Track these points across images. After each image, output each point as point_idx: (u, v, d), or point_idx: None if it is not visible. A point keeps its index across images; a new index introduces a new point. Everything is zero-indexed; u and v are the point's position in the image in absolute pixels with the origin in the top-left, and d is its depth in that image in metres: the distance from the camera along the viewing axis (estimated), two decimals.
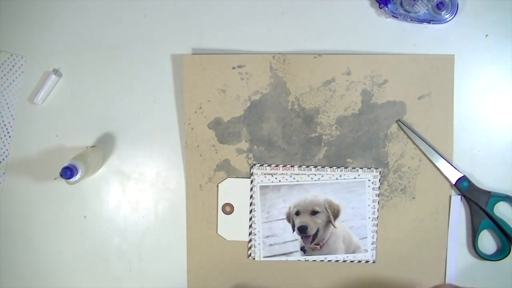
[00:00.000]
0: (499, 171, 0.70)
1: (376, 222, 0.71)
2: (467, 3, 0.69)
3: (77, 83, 0.75)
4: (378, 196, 0.71)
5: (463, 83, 0.70)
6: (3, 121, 0.76)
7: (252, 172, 0.72)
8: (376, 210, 0.71)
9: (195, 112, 0.72)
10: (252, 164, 0.72)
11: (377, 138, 0.71)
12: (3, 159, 0.76)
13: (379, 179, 0.71)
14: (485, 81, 0.70)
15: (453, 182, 0.69)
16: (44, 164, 0.75)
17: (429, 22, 0.69)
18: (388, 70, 0.70)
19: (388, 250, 0.71)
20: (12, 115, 0.76)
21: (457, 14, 0.68)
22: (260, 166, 0.72)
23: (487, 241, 0.71)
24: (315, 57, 0.71)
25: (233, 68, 0.72)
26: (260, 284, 0.73)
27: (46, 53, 0.75)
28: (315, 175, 0.71)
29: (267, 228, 0.72)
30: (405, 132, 0.70)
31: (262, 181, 0.72)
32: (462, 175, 0.69)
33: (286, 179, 0.72)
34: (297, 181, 0.72)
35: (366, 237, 0.71)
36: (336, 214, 0.71)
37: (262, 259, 0.73)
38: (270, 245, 0.72)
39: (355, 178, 0.71)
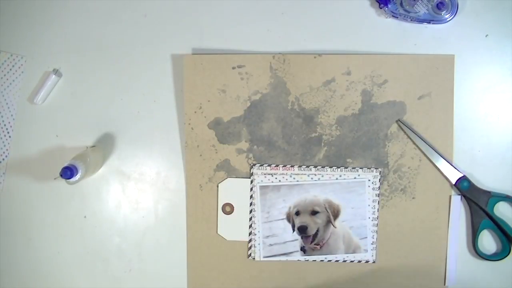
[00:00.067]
0: (499, 171, 0.70)
1: (376, 222, 0.71)
2: (467, 3, 0.69)
3: (77, 83, 0.75)
4: (378, 196, 0.71)
5: (463, 83, 0.70)
6: (3, 121, 0.76)
7: (252, 172, 0.72)
8: (376, 210, 0.71)
9: (195, 112, 0.72)
10: (252, 164, 0.72)
11: (377, 138, 0.71)
12: (3, 159, 0.76)
13: (379, 179, 0.71)
14: (485, 81, 0.70)
15: (453, 182, 0.69)
16: (44, 164, 0.75)
17: (429, 22, 0.69)
18: (388, 70, 0.70)
19: (388, 250, 0.71)
20: (12, 115, 0.76)
21: (457, 14, 0.68)
22: (260, 166, 0.72)
23: (487, 241, 0.71)
24: (315, 57, 0.71)
25: (233, 68, 0.72)
26: (260, 284, 0.73)
27: (46, 53, 0.75)
28: (315, 175, 0.71)
29: (267, 228, 0.72)
30: (405, 132, 0.70)
31: (262, 181, 0.72)
32: (462, 175, 0.69)
33: (286, 179, 0.72)
34: (297, 181, 0.72)
35: (366, 237, 0.71)
36: (336, 214, 0.71)
37: (262, 259, 0.73)
38: (270, 245, 0.72)
39: (355, 178, 0.71)
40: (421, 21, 0.69)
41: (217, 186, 0.73)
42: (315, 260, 0.72)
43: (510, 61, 0.70)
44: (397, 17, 0.69)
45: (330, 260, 0.72)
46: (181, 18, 0.73)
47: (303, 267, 0.73)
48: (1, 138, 0.76)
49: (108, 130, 0.75)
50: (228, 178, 0.73)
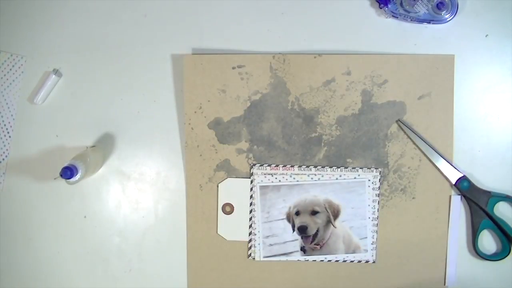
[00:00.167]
0: (499, 171, 0.70)
1: (376, 222, 0.71)
2: (467, 3, 0.69)
3: (77, 83, 0.75)
4: (378, 196, 0.71)
5: (463, 83, 0.70)
6: (3, 121, 0.76)
7: (252, 172, 0.72)
8: (376, 210, 0.71)
9: (195, 112, 0.72)
10: (252, 164, 0.72)
11: (377, 138, 0.71)
12: (3, 159, 0.76)
13: (379, 179, 0.71)
14: (485, 81, 0.70)
15: (453, 182, 0.69)
16: (44, 164, 0.75)
17: (429, 22, 0.69)
18: (388, 70, 0.70)
19: (388, 250, 0.71)
20: (12, 115, 0.76)
21: (457, 14, 0.68)
22: (260, 166, 0.72)
23: (487, 241, 0.71)
24: (315, 57, 0.71)
25: (233, 68, 0.72)
26: (260, 284, 0.73)
27: (46, 53, 0.75)
28: (315, 175, 0.71)
29: (267, 228, 0.72)
30: (405, 132, 0.70)
31: (262, 181, 0.72)
32: (462, 175, 0.69)
33: (286, 179, 0.72)
34: (297, 181, 0.72)
35: (366, 237, 0.71)
36: (336, 214, 0.71)
37: (262, 259, 0.73)
38: (270, 245, 0.72)
39: (355, 178, 0.71)
40: (421, 21, 0.69)
41: (217, 186, 0.73)
42: (315, 260, 0.72)
43: (510, 61, 0.70)
44: (397, 17, 0.69)
45: (330, 260, 0.72)
46: (181, 18, 0.73)
47: (303, 267, 0.73)
48: (1, 138, 0.76)
49: (108, 130, 0.75)
50: (228, 178, 0.73)
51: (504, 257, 0.69)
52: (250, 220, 0.73)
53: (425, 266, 0.71)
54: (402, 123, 0.70)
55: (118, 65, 0.74)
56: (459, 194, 0.70)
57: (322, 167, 0.71)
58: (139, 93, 0.74)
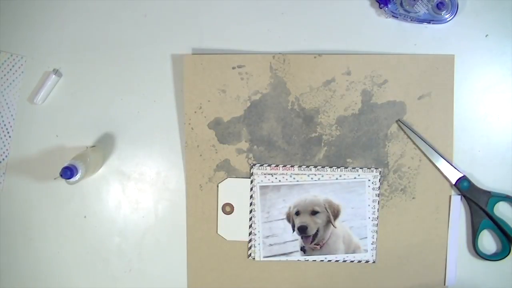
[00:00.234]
0: (499, 171, 0.70)
1: (376, 222, 0.71)
2: (467, 3, 0.69)
3: (77, 83, 0.75)
4: (378, 196, 0.71)
5: (463, 83, 0.70)
6: (3, 121, 0.76)
7: (252, 172, 0.72)
8: (376, 210, 0.71)
9: (195, 112, 0.72)
10: (252, 164, 0.72)
11: (377, 138, 0.71)
12: (3, 159, 0.76)
13: (379, 179, 0.71)
14: (485, 81, 0.70)
15: (453, 182, 0.69)
16: (44, 164, 0.75)
17: (429, 22, 0.69)
18: (388, 70, 0.70)
19: (388, 250, 0.71)
20: (12, 115, 0.76)
21: (457, 14, 0.68)
22: (260, 166, 0.72)
23: (487, 241, 0.71)
24: (315, 57, 0.71)
25: (233, 68, 0.72)
26: (260, 284, 0.73)
27: (46, 53, 0.75)
28: (315, 175, 0.71)
29: (267, 228, 0.72)
30: (405, 132, 0.70)
31: (262, 181, 0.72)
32: (462, 175, 0.69)
33: (286, 179, 0.72)
34: (297, 181, 0.72)
35: (366, 237, 0.71)
36: (336, 214, 0.71)
37: (262, 259, 0.73)
38: (270, 245, 0.72)
39: (355, 178, 0.71)
40: (421, 21, 0.69)
41: (217, 186, 0.73)
42: (315, 260, 0.72)
43: (510, 61, 0.70)
44: (397, 17, 0.69)
45: (330, 260, 0.72)
46: (181, 18, 0.73)
47: (303, 267, 0.73)
48: (1, 138, 0.76)
49: (108, 130, 0.75)
50: (228, 178, 0.73)
51: (504, 257, 0.69)
52: (250, 220, 0.73)
53: (425, 266, 0.71)
54: (402, 123, 0.70)
55: (118, 65, 0.74)
56: (459, 194, 0.70)
57: (322, 167, 0.71)
58: (139, 93, 0.74)
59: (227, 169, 0.72)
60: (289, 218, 0.72)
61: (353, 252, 0.72)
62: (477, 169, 0.70)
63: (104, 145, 0.75)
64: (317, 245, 0.72)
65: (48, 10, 0.75)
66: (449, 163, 0.69)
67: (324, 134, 0.71)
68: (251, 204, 0.72)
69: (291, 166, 0.72)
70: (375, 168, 0.71)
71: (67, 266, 0.76)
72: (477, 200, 0.69)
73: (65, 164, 0.65)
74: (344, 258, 0.72)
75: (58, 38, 0.75)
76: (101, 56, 0.74)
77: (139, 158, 0.75)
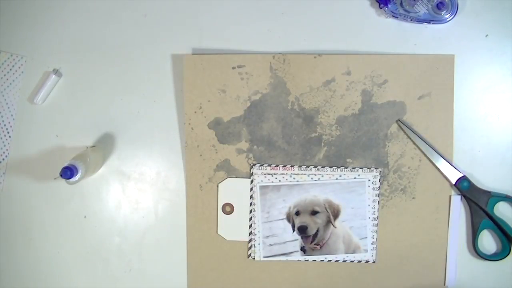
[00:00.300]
0: (499, 171, 0.70)
1: (376, 222, 0.71)
2: (467, 3, 0.69)
3: (77, 83, 0.75)
4: (378, 196, 0.71)
5: (463, 83, 0.70)
6: (3, 121, 0.76)
7: (252, 172, 0.72)
8: (376, 210, 0.71)
9: (195, 112, 0.72)
10: (252, 164, 0.72)
11: (377, 138, 0.71)
12: (3, 159, 0.76)
13: (379, 179, 0.71)
14: (485, 81, 0.70)
15: (453, 182, 0.69)
16: (44, 164, 0.75)
17: (429, 22, 0.69)
18: (388, 70, 0.70)
19: (388, 250, 0.71)
20: (12, 115, 0.76)
21: (457, 14, 0.68)
22: (260, 166, 0.72)
23: (487, 241, 0.71)
24: (315, 57, 0.71)
25: (233, 68, 0.72)
26: (260, 284, 0.73)
27: (46, 53, 0.75)
28: (315, 175, 0.71)
29: (267, 228, 0.72)
30: (405, 132, 0.70)
31: (262, 181, 0.72)
32: (462, 175, 0.69)
33: (286, 179, 0.72)
34: (297, 181, 0.72)
35: (366, 237, 0.71)
36: (336, 214, 0.71)
37: (262, 259, 0.73)
38: (270, 245, 0.72)
39: (355, 178, 0.71)
40: (421, 21, 0.69)
41: (217, 186, 0.73)
42: (315, 260, 0.72)
43: (510, 61, 0.70)
44: (397, 17, 0.69)
45: (330, 260, 0.72)
46: (181, 18, 0.73)
47: (303, 267, 0.73)
48: (1, 138, 0.76)
49: (108, 130, 0.75)
50: (228, 178, 0.73)
51: (504, 257, 0.69)
52: (250, 220, 0.73)
53: (425, 266, 0.71)
54: (402, 123, 0.70)
55: (118, 65, 0.74)
56: (459, 194, 0.70)
57: (322, 167, 0.71)
58: (139, 93, 0.74)
59: (227, 169, 0.72)
60: (289, 218, 0.72)
61: (353, 252, 0.72)
62: (477, 169, 0.70)
63: (104, 145, 0.75)
64: (317, 245, 0.72)
65: (48, 10, 0.75)
66: (449, 163, 0.69)
67: (324, 134, 0.71)
68: (251, 204, 0.72)
69: (291, 166, 0.72)
70: (375, 168, 0.71)
71: (67, 266, 0.76)
72: (477, 200, 0.69)
73: (65, 164, 0.65)
74: (344, 258, 0.72)
75: (58, 38, 0.75)
76: (101, 56, 0.74)
77: (139, 158, 0.75)
